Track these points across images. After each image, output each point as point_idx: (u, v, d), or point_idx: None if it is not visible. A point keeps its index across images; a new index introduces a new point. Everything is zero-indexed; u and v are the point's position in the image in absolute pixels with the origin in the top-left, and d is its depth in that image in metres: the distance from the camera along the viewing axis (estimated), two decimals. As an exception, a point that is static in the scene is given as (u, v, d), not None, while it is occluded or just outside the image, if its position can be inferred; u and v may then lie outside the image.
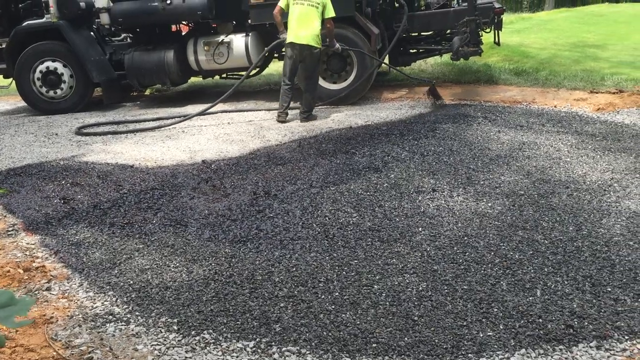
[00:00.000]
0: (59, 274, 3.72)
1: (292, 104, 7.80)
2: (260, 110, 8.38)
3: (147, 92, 10.81)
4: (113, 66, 9.31)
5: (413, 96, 8.75)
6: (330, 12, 7.29)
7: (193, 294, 3.38)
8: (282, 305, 3.23)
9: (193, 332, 2.99)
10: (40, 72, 9.06)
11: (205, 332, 3.00)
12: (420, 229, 4.15)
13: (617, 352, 2.74)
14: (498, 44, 9.17)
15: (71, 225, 4.47)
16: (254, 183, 5.20)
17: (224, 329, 3.01)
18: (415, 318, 3.05)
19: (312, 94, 7.68)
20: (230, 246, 4.01)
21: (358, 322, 3.03)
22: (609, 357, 2.70)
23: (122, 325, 3.11)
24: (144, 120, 8.09)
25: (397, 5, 8.92)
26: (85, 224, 4.50)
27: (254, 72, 9.85)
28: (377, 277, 3.49)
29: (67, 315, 3.22)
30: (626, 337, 2.84)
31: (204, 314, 3.16)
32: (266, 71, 10.71)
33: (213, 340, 2.92)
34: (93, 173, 5.69)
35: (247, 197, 4.89)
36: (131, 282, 3.56)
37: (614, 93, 7.92)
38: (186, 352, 2.83)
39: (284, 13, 7.41)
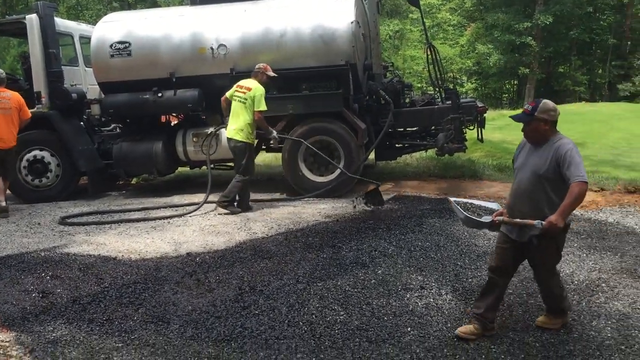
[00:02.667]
0: (32, 375, 3.54)
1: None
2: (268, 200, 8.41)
3: (134, 181, 10.82)
4: (101, 155, 9.36)
5: (399, 190, 8.84)
6: (258, 106, 7.40)
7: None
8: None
9: None
10: (27, 160, 9.08)
11: None
12: (409, 328, 4.06)
13: None
14: (481, 140, 9.42)
15: (48, 322, 4.31)
16: (240, 277, 5.11)
17: None
18: None
19: (237, 184, 7.64)
20: (213, 346, 3.87)
21: None
22: None
23: None
24: (130, 210, 8.04)
25: (383, 101, 9.20)
26: (64, 320, 4.35)
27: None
28: (366, 382, 3.36)
29: (38, 422, 3.03)
30: None
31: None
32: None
33: None
34: (74, 265, 5.57)
35: (232, 292, 4.79)
36: (108, 385, 3.39)
37: (596, 191, 8.07)
38: None
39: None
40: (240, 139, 7.50)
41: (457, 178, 9.58)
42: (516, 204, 3.83)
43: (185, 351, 3.79)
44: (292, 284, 4.94)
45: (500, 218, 3.79)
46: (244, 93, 7.43)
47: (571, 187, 3.49)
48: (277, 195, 8.73)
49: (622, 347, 3.74)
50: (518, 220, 3.74)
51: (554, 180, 3.63)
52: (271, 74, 7.64)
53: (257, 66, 7.65)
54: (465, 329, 3.92)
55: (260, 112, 7.43)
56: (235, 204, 7.73)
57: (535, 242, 3.68)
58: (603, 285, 4.76)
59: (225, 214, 7.54)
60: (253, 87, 7.45)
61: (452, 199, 4.21)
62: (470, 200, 4.38)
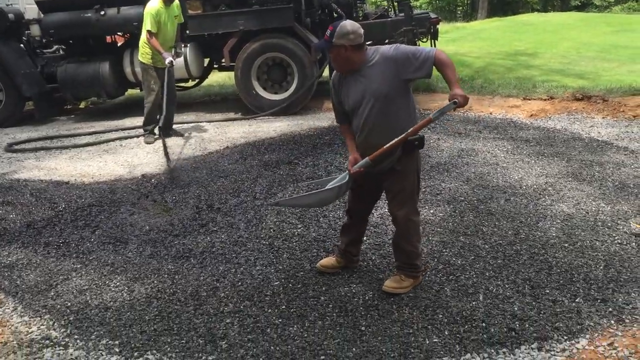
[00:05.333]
0: (-9, 299, 3.53)
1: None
2: (201, 122, 8.27)
3: (82, 105, 10.49)
4: (45, 79, 8.98)
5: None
6: (145, 25, 6.81)
7: (135, 313, 3.28)
8: (228, 321, 3.17)
9: (136, 354, 2.90)
10: (-33, 87, 8.65)
11: (148, 352, 2.90)
12: (365, 237, 4.17)
13: (557, 352, 2.82)
14: (435, 53, 9.36)
15: (3, 247, 4.27)
16: (196, 197, 5.11)
17: (169, 349, 2.93)
18: (363, 328, 3.06)
19: (145, 109, 7.29)
20: (173, 262, 3.91)
21: (305, 335, 3.01)
22: (549, 357, 2.77)
23: (59, 350, 2.97)
24: (80, 135, 7.82)
25: (335, 15, 9.00)
26: (19, 244, 4.31)
27: (192, 83, 9.72)
28: (324, 289, 3.48)
29: (1, 342, 3.06)
30: (565, 338, 2.93)
31: (147, 334, 3.07)
32: (206, 82, 10.59)
33: (157, 361, 2.84)
34: (26, 191, 5.46)
35: (190, 211, 4.80)
36: (69, 304, 3.41)
37: (545, 100, 8.23)
38: (129, 375, 2.73)
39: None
40: (140, 59, 7.13)
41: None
42: (368, 144, 3.20)
43: (145, 269, 3.83)
44: (249, 200, 4.98)
45: (363, 161, 3.19)
46: None
47: (435, 63, 2.99)
48: (231, 115, 8.61)
49: (566, 244, 3.94)
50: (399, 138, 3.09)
51: (400, 94, 3.10)
52: None
53: None
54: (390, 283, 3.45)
55: (149, 32, 6.77)
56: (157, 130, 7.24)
57: (398, 168, 3.21)
58: (550, 189, 4.95)
59: (148, 143, 7.21)
60: (148, 5, 6.84)
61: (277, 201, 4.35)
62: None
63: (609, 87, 8.65)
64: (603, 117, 7.36)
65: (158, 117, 7.11)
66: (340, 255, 3.68)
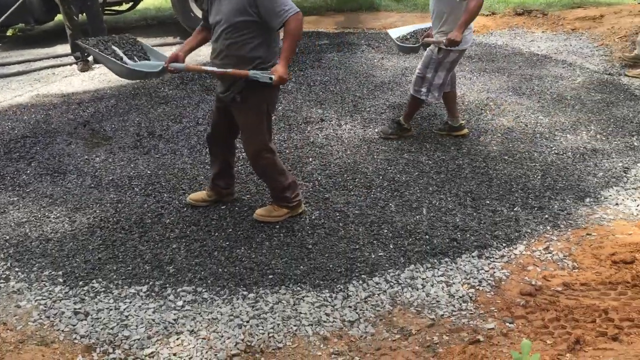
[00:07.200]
0: None
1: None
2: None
3: (9, 32, 9.84)
4: (-35, 5, 8.33)
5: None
6: None
7: (78, 244, 3.21)
8: (174, 246, 3.15)
9: (81, 283, 2.86)
10: None
11: (94, 281, 2.87)
12: (310, 159, 4.17)
13: (496, 259, 2.94)
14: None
15: None
16: (137, 124, 4.96)
17: (114, 276, 2.90)
18: (310, 246, 3.10)
19: (70, 36, 6.74)
20: (115, 191, 3.82)
21: (253, 256, 3.03)
22: (489, 264, 2.89)
23: (0, 283, 2.90)
24: (9, 64, 7.38)
25: None
26: (-51, 180, 4.11)
27: (127, 6, 9.24)
28: (270, 210, 3.48)
29: (-63, 280, 2.96)
30: (504, 245, 3.05)
31: (91, 263, 3.02)
32: (142, 5, 10.07)
33: (103, 289, 2.81)
34: (-48, 124, 5.17)
35: (130, 139, 4.66)
36: (7, 237, 3.31)
37: (487, 15, 8.22)
38: (75, 303, 2.70)
39: None
40: None
41: (354, 11, 9.40)
42: (214, 64, 3.09)
43: (86, 199, 3.73)
44: (192, 126, 4.86)
45: (181, 65, 3.09)
46: None
47: (285, 23, 2.84)
48: (170, 40, 8.26)
49: (506, 157, 4.04)
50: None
51: (253, 26, 2.92)
52: None
53: None
54: (261, 211, 3.40)
55: None
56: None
57: (239, 99, 3.06)
58: (491, 104, 5.02)
59: (82, 71, 6.81)
60: None
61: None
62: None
63: (548, 1, 8.69)
64: (543, 32, 7.43)
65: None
66: (209, 188, 3.58)
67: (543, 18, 7.83)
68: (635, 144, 4.17)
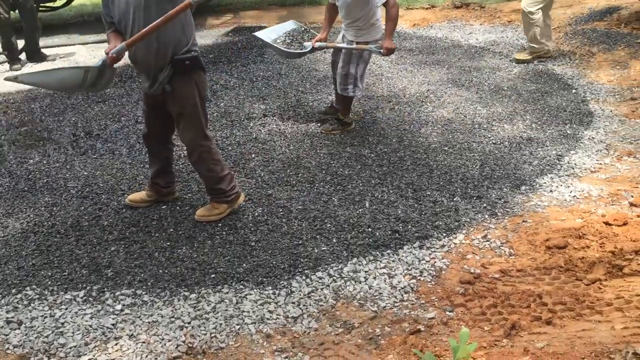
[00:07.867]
0: None
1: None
2: (74, 44, 7.66)
3: None
4: None
5: (239, 21, 8.51)
6: None
7: (10, 250, 3.08)
8: (112, 249, 3.07)
9: (14, 291, 2.74)
10: None
11: (27, 288, 2.76)
12: (253, 155, 4.14)
13: (436, 249, 2.98)
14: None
15: None
16: (73, 124, 4.80)
17: (50, 282, 2.80)
18: (252, 243, 3.07)
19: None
20: (50, 194, 3.69)
21: (195, 256, 2.98)
22: (430, 254, 2.93)
23: None
24: None
25: None
26: None
27: (61, 2, 8.94)
28: (212, 208, 3.43)
29: None
30: (444, 235, 3.10)
31: (24, 269, 2.91)
32: (77, 1, 9.76)
33: (37, 296, 2.70)
34: None
35: (66, 139, 4.51)
36: None
37: (427, 9, 8.34)
38: (7, 312, 2.59)
39: None
40: None
41: (297, 5, 9.38)
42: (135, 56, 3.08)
43: (19, 203, 3.59)
44: (131, 125, 4.75)
45: (119, 46, 2.95)
46: None
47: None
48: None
49: (446, 148, 4.11)
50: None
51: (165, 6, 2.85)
52: None
53: None
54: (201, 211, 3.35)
55: None
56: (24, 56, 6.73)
57: (169, 88, 3.04)
58: (431, 96, 5.10)
59: (14, 70, 6.45)
60: None
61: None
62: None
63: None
64: (481, 24, 7.59)
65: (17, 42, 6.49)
66: (149, 187, 3.51)
67: (481, 10, 8.00)
68: (569, 132, 4.31)
